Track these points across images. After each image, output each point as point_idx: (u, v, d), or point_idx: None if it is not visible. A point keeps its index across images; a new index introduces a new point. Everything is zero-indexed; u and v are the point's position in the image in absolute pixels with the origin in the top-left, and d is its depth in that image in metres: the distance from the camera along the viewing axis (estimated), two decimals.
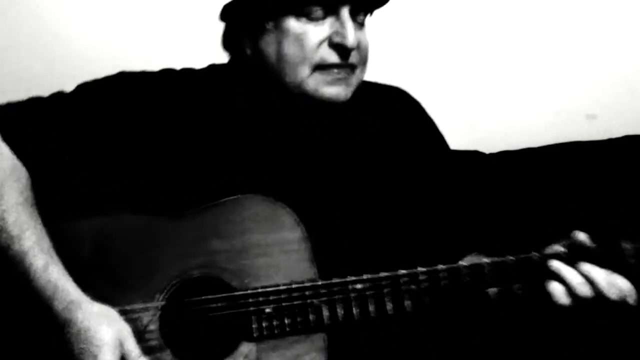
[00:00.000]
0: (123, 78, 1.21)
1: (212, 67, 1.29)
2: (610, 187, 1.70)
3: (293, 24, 1.13)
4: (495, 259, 1.11)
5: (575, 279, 1.06)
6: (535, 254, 1.11)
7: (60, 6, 1.83)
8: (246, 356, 1.10)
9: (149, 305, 1.11)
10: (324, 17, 1.13)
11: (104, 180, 1.16)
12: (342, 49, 1.13)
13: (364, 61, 1.19)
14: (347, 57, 1.14)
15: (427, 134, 1.33)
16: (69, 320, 1.03)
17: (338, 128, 1.25)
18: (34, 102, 1.18)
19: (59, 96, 1.19)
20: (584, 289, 1.06)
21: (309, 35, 1.13)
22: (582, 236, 1.10)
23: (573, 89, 1.93)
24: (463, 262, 1.11)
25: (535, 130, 1.89)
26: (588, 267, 1.07)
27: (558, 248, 1.11)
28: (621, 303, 1.06)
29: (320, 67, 1.14)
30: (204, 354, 1.11)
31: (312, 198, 1.18)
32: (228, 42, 1.23)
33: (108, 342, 1.03)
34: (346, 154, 1.24)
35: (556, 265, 1.08)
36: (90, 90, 1.20)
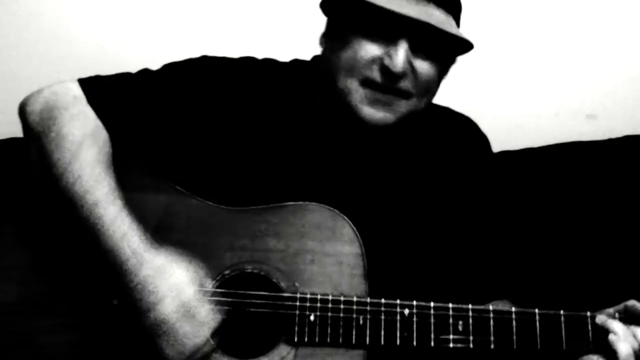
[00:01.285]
0: (206, 62, 1.24)
1: (296, 62, 1.31)
2: (610, 187, 1.70)
3: (354, 37, 1.15)
4: (546, 311, 1.12)
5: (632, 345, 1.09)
6: (588, 314, 1.13)
7: (60, 6, 1.83)
8: (283, 358, 1.11)
9: (200, 289, 1.11)
10: (383, 42, 1.15)
11: (177, 158, 1.20)
12: (388, 72, 1.14)
13: (421, 92, 1.19)
14: (394, 81, 1.15)
15: (486, 170, 1.34)
16: (132, 270, 1.07)
17: (400, 149, 1.27)
18: (122, 76, 1.22)
19: (145, 72, 1.23)
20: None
21: (363, 49, 1.15)
22: (637, 305, 1.13)
23: (573, 89, 1.93)
24: (513, 308, 1.12)
25: (535, 130, 1.89)
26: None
27: (612, 313, 1.14)
28: None
29: (368, 83, 1.16)
30: (243, 346, 1.12)
31: (372, 216, 1.20)
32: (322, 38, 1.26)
33: (166, 293, 1.05)
34: (407, 176, 1.26)
35: (615, 325, 1.11)
36: (175, 70, 1.23)
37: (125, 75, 1.22)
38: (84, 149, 1.12)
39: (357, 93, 1.16)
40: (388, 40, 1.15)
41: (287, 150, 1.22)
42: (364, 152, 1.25)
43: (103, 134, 1.16)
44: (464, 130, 1.36)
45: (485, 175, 1.34)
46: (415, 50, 1.15)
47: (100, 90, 1.18)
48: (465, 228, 1.28)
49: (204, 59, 1.25)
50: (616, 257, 1.65)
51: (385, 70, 1.14)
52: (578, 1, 1.91)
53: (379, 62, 1.15)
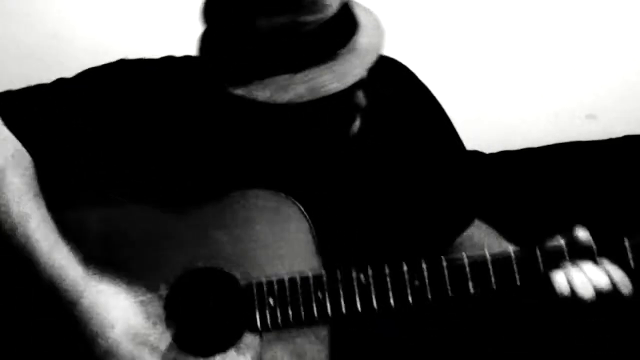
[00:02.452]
0: (124, 65, 1.20)
1: None
2: (610, 187, 1.70)
3: None
4: (497, 252, 1.11)
5: (579, 280, 1.08)
6: (538, 248, 1.12)
7: (60, 6, 1.83)
8: (250, 347, 1.10)
9: (153, 295, 1.11)
10: None
11: (107, 168, 1.16)
12: None
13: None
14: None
15: (425, 109, 1.30)
16: (75, 300, 1.05)
17: (335, 115, 1.22)
18: (36, 89, 1.18)
19: (60, 82, 1.18)
20: (585, 289, 1.07)
21: None
22: (582, 233, 1.12)
23: (573, 89, 1.93)
24: (465, 255, 1.12)
25: (535, 130, 1.89)
26: (589, 268, 1.09)
27: (559, 243, 1.12)
28: (615, 294, 1.08)
29: None
30: (207, 345, 1.11)
31: (316, 190, 1.18)
32: None
33: (113, 319, 1.04)
34: (346, 142, 1.23)
35: (557, 275, 1.09)
36: (91, 76, 1.19)
37: (40, 88, 1.18)
38: (8, 177, 1.08)
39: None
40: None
41: (221, 141, 1.18)
42: (302, 129, 1.20)
43: (25, 156, 1.11)
44: (392, 72, 1.31)
45: (425, 112, 1.31)
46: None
47: (15, 108, 1.13)
48: (414, 179, 1.25)
49: (121, 62, 1.21)
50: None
51: None
52: (578, 1, 1.91)
53: None
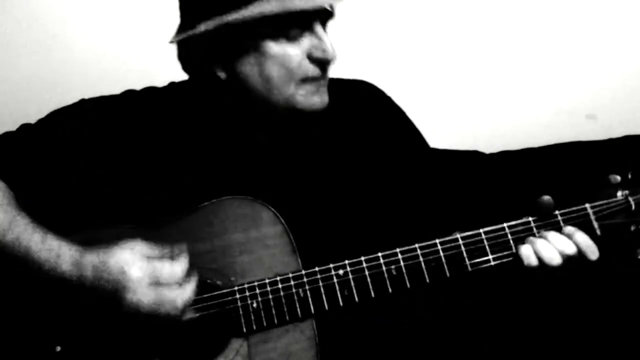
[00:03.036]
0: (83, 105, 1.23)
1: (174, 85, 1.30)
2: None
3: (272, 47, 1.14)
4: (468, 232, 1.14)
5: (542, 248, 1.11)
6: (505, 225, 1.15)
7: (60, 6, 1.83)
8: (237, 351, 1.11)
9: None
10: (301, 35, 1.15)
11: (79, 198, 1.18)
12: (323, 62, 1.16)
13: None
14: (326, 69, 1.17)
15: (397, 123, 1.34)
16: (80, 266, 1.06)
17: (310, 126, 1.27)
18: (4, 136, 1.20)
19: (25, 127, 1.21)
20: (552, 257, 1.10)
21: (291, 56, 1.14)
22: (546, 198, 1.17)
23: (573, 89, 1.93)
24: (437, 240, 1.14)
25: (535, 130, 1.89)
26: (554, 236, 1.12)
27: (525, 219, 1.15)
28: (582, 259, 1.11)
29: (305, 80, 1.16)
30: (194, 355, 1.12)
31: (289, 194, 1.21)
32: (191, 65, 1.24)
33: (128, 257, 1.05)
34: (320, 150, 1.27)
35: (525, 247, 1.12)
36: (56, 118, 1.22)
37: (5, 134, 1.21)
38: None
39: (297, 95, 1.16)
40: (305, 31, 1.14)
41: (192, 158, 1.21)
42: (271, 138, 1.25)
43: (2, 186, 1.15)
44: (363, 93, 1.35)
45: (395, 126, 1.34)
46: (324, 28, 1.17)
47: None
48: (386, 182, 1.28)
49: (82, 102, 1.24)
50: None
51: (319, 61, 1.15)
52: (578, 1, 1.91)
53: (307, 57, 1.15)
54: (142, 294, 1.04)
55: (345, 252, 1.15)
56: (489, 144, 1.76)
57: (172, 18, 1.88)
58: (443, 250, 1.13)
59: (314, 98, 1.17)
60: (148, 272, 1.05)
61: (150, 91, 1.28)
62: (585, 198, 1.19)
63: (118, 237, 1.10)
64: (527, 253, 1.11)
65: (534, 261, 1.10)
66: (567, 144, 1.78)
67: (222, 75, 1.20)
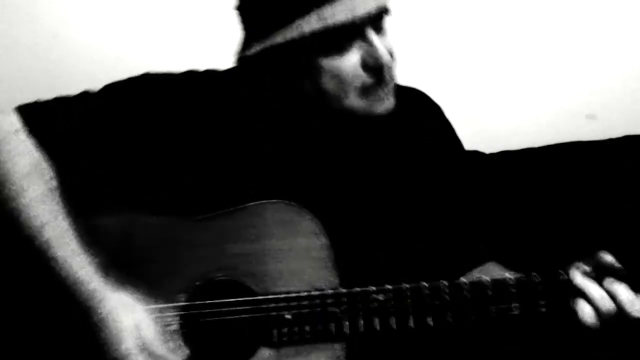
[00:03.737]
0: (147, 80, 1.21)
1: (236, 69, 1.26)
2: (610, 187, 1.71)
3: (323, 62, 1.11)
4: (520, 275, 1.09)
5: (598, 294, 1.06)
6: (561, 272, 1.09)
7: (60, 6, 1.83)
8: None
9: (170, 305, 1.11)
10: (351, 44, 1.11)
11: (128, 180, 1.17)
12: (377, 70, 1.12)
13: (394, 58, 1.17)
14: (383, 74, 1.13)
15: (446, 140, 1.32)
16: (92, 308, 1.06)
17: (360, 135, 1.24)
18: (61, 101, 1.19)
19: (85, 96, 1.20)
20: (606, 304, 1.05)
21: (344, 69, 1.11)
22: (607, 257, 1.09)
23: (573, 89, 1.93)
24: (487, 277, 1.09)
25: (535, 130, 1.89)
26: (612, 283, 1.06)
27: (583, 267, 1.09)
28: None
29: (365, 91, 1.13)
30: (222, 357, 1.11)
31: (334, 205, 1.18)
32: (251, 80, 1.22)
33: (127, 329, 1.05)
34: (367, 160, 1.25)
35: (580, 280, 1.07)
36: (115, 91, 1.20)
37: (65, 100, 1.19)
38: (30, 186, 1.10)
39: (359, 105, 1.14)
40: (357, 38, 1.11)
41: (243, 152, 1.19)
42: (324, 143, 1.23)
43: (46, 167, 1.13)
44: (417, 102, 1.33)
45: (446, 145, 1.32)
46: (379, 33, 1.13)
47: (40, 119, 1.15)
48: (433, 202, 1.25)
49: (145, 76, 1.22)
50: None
51: (372, 69, 1.11)
52: (578, 1, 1.91)
53: (360, 66, 1.12)
54: (134, 353, 1.05)
55: (387, 272, 1.13)
56: (489, 144, 1.76)
57: (172, 18, 1.88)
58: (492, 289, 1.08)
59: (375, 105, 1.14)
60: (146, 343, 1.06)
61: (212, 75, 1.25)
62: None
63: (157, 232, 1.12)
64: (585, 307, 1.06)
65: (590, 319, 1.05)
66: (567, 144, 1.77)
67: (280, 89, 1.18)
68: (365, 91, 1.13)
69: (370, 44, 1.11)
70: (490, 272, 1.21)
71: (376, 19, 1.12)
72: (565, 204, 1.70)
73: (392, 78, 1.16)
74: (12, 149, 1.12)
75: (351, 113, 1.15)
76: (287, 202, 1.14)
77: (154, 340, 1.07)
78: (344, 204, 1.20)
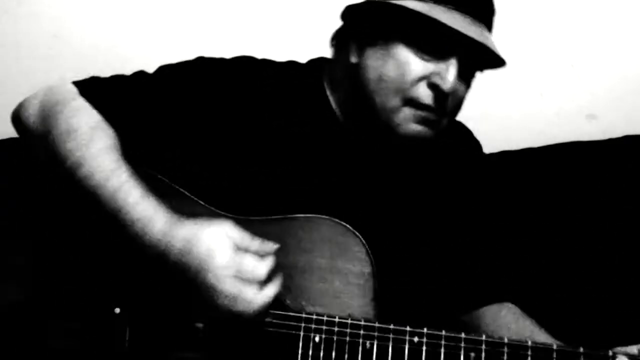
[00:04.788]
0: (204, 63, 1.20)
1: (293, 65, 1.26)
2: (610, 187, 1.71)
3: (401, 50, 1.10)
4: (565, 345, 1.07)
5: None
6: (609, 351, 1.07)
7: (60, 6, 1.83)
8: None
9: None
10: (433, 56, 1.10)
11: (180, 161, 1.15)
12: (438, 91, 1.10)
13: (454, 112, 1.18)
14: (442, 102, 1.11)
15: (483, 177, 1.33)
16: (170, 236, 1.01)
17: (409, 164, 1.24)
18: (117, 77, 1.18)
19: (141, 74, 1.19)
20: None
21: (412, 67, 1.10)
22: None
23: (573, 89, 1.93)
24: (530, 340, 1.06)
25: (535, 130, 1.89)
26: None
27: (632, 349, 1.07)
28: None
29: (413, 103, 1.12)
30: None
31: (381, 232, 1.15)
32: (338, 41, 1.20)
33: (213, 243, 1.00)
34: (413, 190, 1.24)
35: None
36: (171, 71, 1.19)
37: (121, 77, 1.19)
38: (96, 138, 1.09)
39: (400, 112, 1.12)
40: (439, 57, 1.10)
41: (296, 157, 1.17)
42: (378, 165, 1.21)
43: (108, 126, 1.12)
44: (460, 137, 1.33)
45: (482, 182, 1.32)
46: (461, 73, 1.12)
47: (98, 90, 1.15)
48: (469, 238, 1.25)
49: (200, 59, 1.21)
50: (616, 257, 1.65)
51: (434, 88, 1.10)
52: (578, 1, 1.91)
53: (426, 80, 1.10)
54: (223, 282, 0.99)
55: (423, 308, 1.12)
56: (489, 144, 1.76)
57: (173, 18, 1.88)
58: (532, 350, 1.04)
59: (416, 126, 1.13)
60: (233, 263, 0.99)
61: (268, 65, 1.23)
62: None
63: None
64: None
65: None
66: (567, 144, 1.78)
67: (353, 58, 1.15)
68: (414, 104, 1.12)
69: (446, 67, 1.10)
70: (509, 315, 1.22)
71: (468, 59, 1.12)
72: (566, 204, 1.70)
73: (446, 115, 1.14)
74: (76, 107, 1.12)
75: (390, 122, 1.12)
76: (339, 221, 1.11)
77: (244, 238, 1.02)
78: (393, 232, 1.18)
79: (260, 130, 1.16)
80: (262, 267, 1.01)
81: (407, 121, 1.12)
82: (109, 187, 1.05)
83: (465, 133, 1.35)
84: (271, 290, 1.01)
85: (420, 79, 1.10)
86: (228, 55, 1.27)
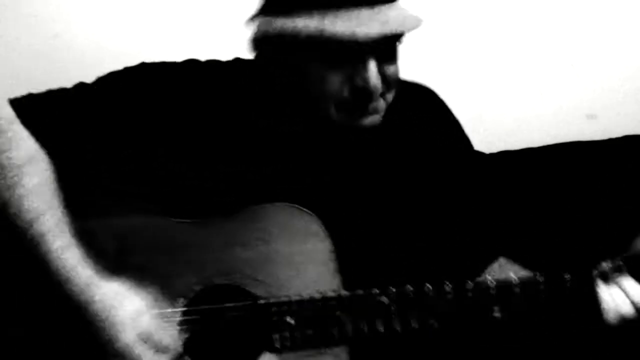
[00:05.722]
0: (144, 69, 1.19)
1: (239, 62, 1.25)
2: (610, 187, 1.71)
3: (313, 69, 1.09)
4: (525, 275, 1.09)
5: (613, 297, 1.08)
6: (566, 273, 1.10)
7: (60, 6, 1.82)
8: None
9: (169, 310, 1.09)
10: (344, 61, 1.09)
11: (126, 174, 1.14)
12: (363, 92, 1.10)
13: (393, 86, 1.16)
14: (370, 98, 1.11)
15: (452, 136, 1.31)
16: (86, 301, 1.04)
17: (363, 135, 1.21)
18: (57, 93, 1.16)
19: (81, 87, 1.17)
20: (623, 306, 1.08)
21: (329, 83, 1.09)
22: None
23: (573, 89, 1.93)
24: (490, 277, 1.09)
25: (535, 130, 1.89)
26: (626, 282, 1.09)
27: (604, 267, 1.11)
28: None
29: (348, 106, 1.11)
30: None
31: (337, 208, 1.16)
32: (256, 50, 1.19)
33: (125, 319, 1.04)
34: (374, 162, 1.23)
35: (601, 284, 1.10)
36: (112, 81, 1.17)
37: (60, 92, 1.16)
38: (26, 176, 1.07)
39: (340, 115, 1.12)
40: (353, 60, 1.08)
41: (245, 150, 1.17)
42: (326, 147, 1.20)
43: (43, 157, 1.11)
44: (422, 99, 1.31)
45: (451, 140, 1.30)
46: (381, 59, 1.11)
47: (34, 111, 1.12)
48: (438, 200, 1.24)
49: (143, 65, 1.19)
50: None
51: (358, 90, 1.09)
52: (578, 1, 1.91)
53: (349, 83, 1.10)
54: (133, 344, 1.04)
55: (390, 274, 1.12)
56: (489, 144, 1.76)
57: (173, 18, 1.88)
58: (497, 289, 1.08)
59: (356, 120, 1.13)
60: (144, 332, 1.05)
61: (214, 65, 1.22)
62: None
63: (159, 233, 1.09)
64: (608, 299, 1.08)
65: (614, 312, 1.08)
66: (567, 144, 1.78)
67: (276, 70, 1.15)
68: (343, 107, 1.11)
69: (364, 68, 1.08)
70: (502, 269, 1.21)
71: (382, 45, 1.09)
72: (566, 203, 1.70)
73: (386, 96, 1.14)
74: (10, 138, 1.10)
75: (327, 120, 1.12)
76: (291, 204, 1.12)
77: (154, 328, 1.05)
78: (347, 206, 1.18)
79: (210, 131, 1.16)
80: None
81: (351, 118, 1.12)
82: (34, 233, 1.05)
83: (426, 93, 1.32)
84: None
85: (343, 83, 1.09)
86: (233, 51, 1.27)
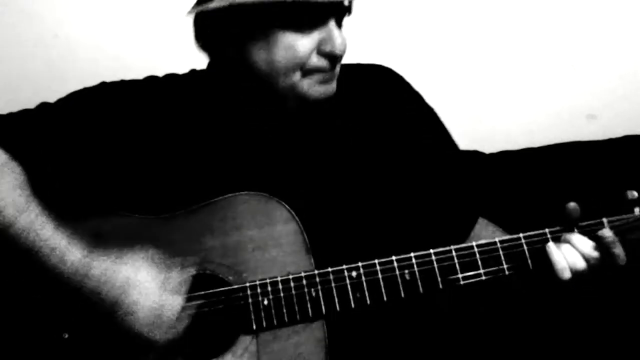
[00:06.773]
0: (104, 88, 1.23)
1: (194, 72, 1.30)
2: (610, 187, 1.70)
3: (281, 35, 1.13)
4: (484, 241, 1.15)
5: (567, 253, 1.13)
6: (521, 235, 1.16)
7: (60, 6, 1.83)
8: (246, 348, 1.11)
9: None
10: (312, 27, 1.14)
11: (93, 184, 1.18)
12: (331, 57, 1.15)
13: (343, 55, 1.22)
14: (336, 63, 1.17)
15: (415, 109, 1.33)
16: (84, 274, 1.06)
17: (325, 117, 1.26)
18: (20, 112, 1.20)
19: (44, 106, 1.21)
20: (578, 261, 1.13)
21: (299, 46, 1.14)
22: (573, 205, 1.20)
23: (573, 89, 1.93)
24: (453, 246, 1.14)
25: (535, 130, 1.89)
26: (576, 239, 1.14)
27: (543, 230, 1.17)
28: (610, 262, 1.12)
29: (311, 71, 1.16)
30: (203, 351, 1.11)
31: (304, 190, 1.20)
32: (206, 44, 1.23)
33: (126, 281, 1.06)
34: (335, 143, 1.26)
35: (551, 248, 1.14)
36: (74, 99, 1.21)
37: (25, 112, 1.20)
38: (2, 177, 1.11)
39: (302, 82, 1.16)
40: (319, 25, 1.14)
41: (207, 150, 1.21)
42: (285, 131, 1.24)
43: (17, 166, 1.14)
44: (379, 78, 1.34)
45: (413, 113, 1.32)
46: (338, 24, 1.17)
47: (3, 128, 1.16)
48: (404, 176, 1.26)
49: (102, 85, 1.24)
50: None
51: (328, 55, 1.15)
52: (578, 1, 1.91)
53: (316, 50, 1.15)
54: (142, 308, 1.06)
55: (359, 252, 1.15)
56: (489, 144, 1.77)
57: (172, 18, 1.88)
58: (458, 257, 1.13)
59: (318, 88, 1.18)
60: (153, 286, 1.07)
61: (171, 78, 1.28)
62: (600, 212, 1.23)
63: (129, 230, 1.12)
64: (558, 258, 1.12)
65: (564, 266, 1.11)
66: (567, 144, 1.78)
67: (231, 54, 1.19)
68: (313, 72, 1.16)
69: (330, 31, 1.14)
70: (481, 231, 1.28)
71: (341, 12, 1.16)
72: (565, 204, 1.70)
73: (338, 66, 1.19)
74: None
75: (296, 94, 1.17)
76: (255, 192, 1.16)
77: (157, 282, 1.07)
78: (312, 188, 1.21)
79: (170, 136, 1.21)
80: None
81: (312, 87, 1.17)
82: (17, 228, 1.07)
83: (382, 71, 1.35)
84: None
85: (311, 51, 1.15)
86: None
